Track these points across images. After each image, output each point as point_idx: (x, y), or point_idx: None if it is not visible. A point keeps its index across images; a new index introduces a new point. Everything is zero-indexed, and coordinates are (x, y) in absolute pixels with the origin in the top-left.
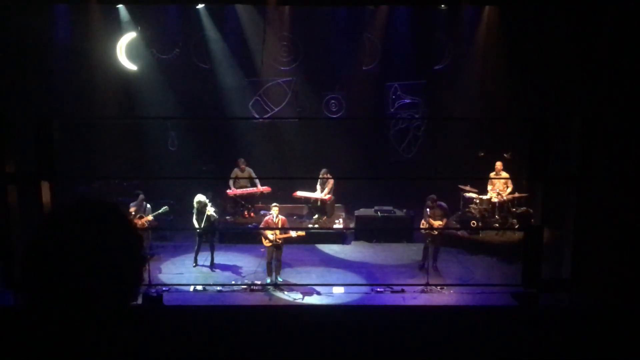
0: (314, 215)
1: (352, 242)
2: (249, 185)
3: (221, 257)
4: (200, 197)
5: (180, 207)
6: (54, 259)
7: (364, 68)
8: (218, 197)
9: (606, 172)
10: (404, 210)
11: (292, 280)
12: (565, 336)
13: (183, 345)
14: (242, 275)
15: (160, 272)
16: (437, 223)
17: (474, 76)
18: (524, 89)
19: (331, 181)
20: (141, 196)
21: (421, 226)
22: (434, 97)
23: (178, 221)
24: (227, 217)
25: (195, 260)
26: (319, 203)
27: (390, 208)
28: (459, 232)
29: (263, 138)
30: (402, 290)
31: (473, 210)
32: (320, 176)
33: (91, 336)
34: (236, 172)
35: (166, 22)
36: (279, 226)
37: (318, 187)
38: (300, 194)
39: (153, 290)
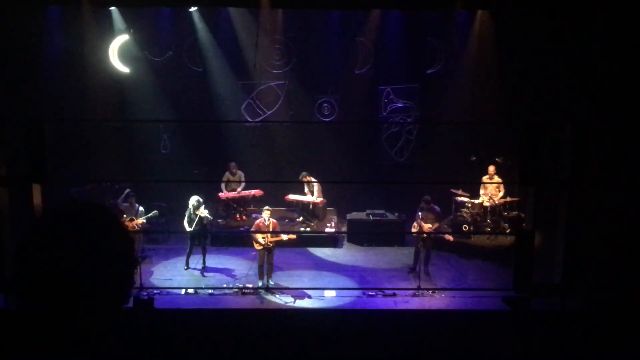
0: (306, 218)
1: (344, 246)
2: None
3: (213, 260)
4: (197, 197)
5: (172, 210)
6: (45, 261)
7: (356, 72)
8: (210, 200)
9: (598, 177)
10: (396, 214)
11: (284, 283)
12: (556, 340)
13: (174, 349)
14: (234, 278)
15: (151, 275)
16: (427, 226)
17: (467, 80)
18: (516, 93)
19: (316, 184)
20: (128, 191)
21: (412, 229)
22: (426, 101)
23: (170, 224)
24: (219, 220)
25: (187, 263)
26: (310, 206)
27: (382, 212)
28: (451, 236)
29: (255, 141)
30: (394, 294)
31: (465, 215)
32: (301, 179)
33: (82, 339)
34: (227, 175)
35: (159, 25)
36: (270, 229)
37: (307, 190)
38: (292, 197)
39: (144, 294)
